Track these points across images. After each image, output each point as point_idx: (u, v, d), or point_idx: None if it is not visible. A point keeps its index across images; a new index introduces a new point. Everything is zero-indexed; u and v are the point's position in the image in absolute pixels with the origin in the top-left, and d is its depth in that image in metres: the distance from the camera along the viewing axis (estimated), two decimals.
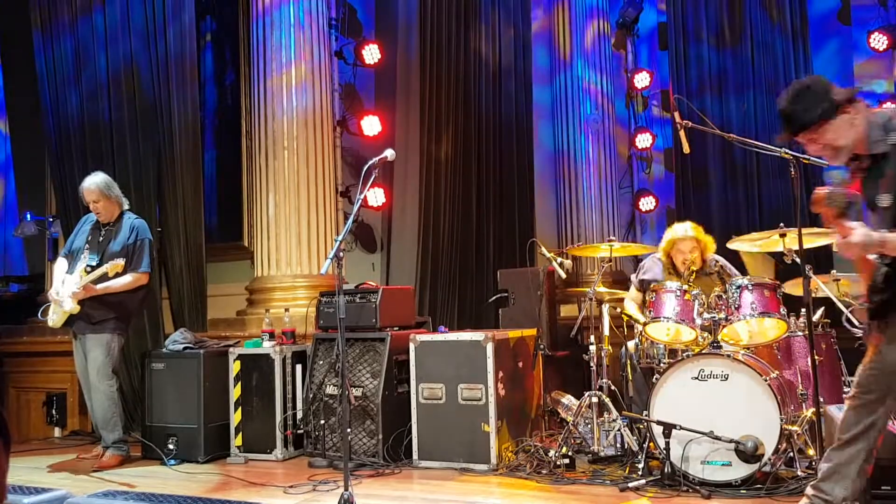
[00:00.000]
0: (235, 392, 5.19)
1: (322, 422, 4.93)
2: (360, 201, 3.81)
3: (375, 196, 6.95)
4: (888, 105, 7.57)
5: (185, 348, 5.30)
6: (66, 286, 4.99)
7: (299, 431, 5.14)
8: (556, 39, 9.00)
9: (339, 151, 6.85)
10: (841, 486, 2.92)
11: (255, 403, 5.15)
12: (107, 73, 6.22)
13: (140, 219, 5.23)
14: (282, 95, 6.32)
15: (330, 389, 4.96)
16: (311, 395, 5.05)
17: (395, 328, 5.05)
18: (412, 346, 4.82)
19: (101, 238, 5.12)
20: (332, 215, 6.50)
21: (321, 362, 5.09)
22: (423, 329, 5.39)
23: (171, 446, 5.11)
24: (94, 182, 5.09)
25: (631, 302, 5.20)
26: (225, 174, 7.35)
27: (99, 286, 4.92)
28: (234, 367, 5.21)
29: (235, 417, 5.17)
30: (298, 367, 5.23)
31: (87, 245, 5.11)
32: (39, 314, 5.18)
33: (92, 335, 5.02)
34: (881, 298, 2.92)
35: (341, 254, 3.65)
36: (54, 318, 5.02)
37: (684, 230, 4.92)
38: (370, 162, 3.79)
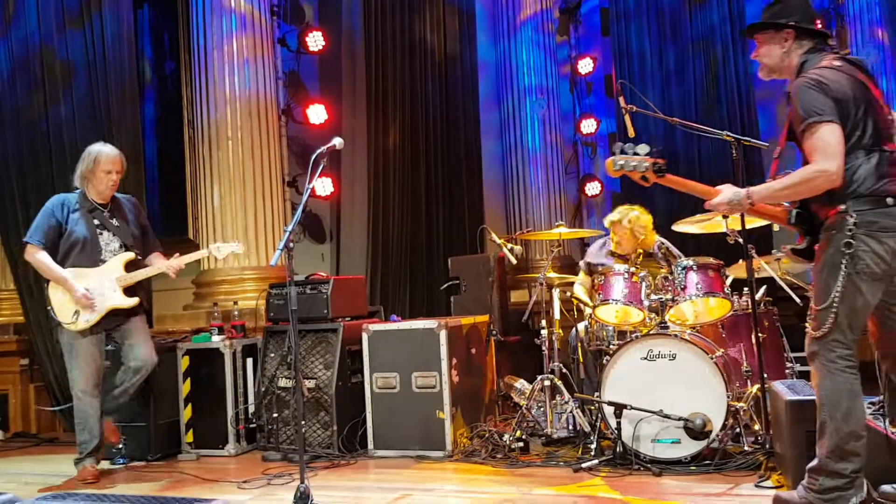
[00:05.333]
0: (185, 388, 5.10)
1: (275, 415, 4.89)
2: (309, 191, 3.75)
3: (323, 185, 6.90)
4: None
5: None
6: (98, 281, 4.49)
7: (252, 426, 5.09)
8: (500, 26, 9.03)
9: (284, 141, 6.77)
10: None
11: (205, 399, 5.07)
12: (42, 67, 5.99)
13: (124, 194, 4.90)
14: (224, 84, 6.20)
15: (282, 382, 4.91)
16: (262, 389, 4.99)
17: (348, 318, 5.02)
18: (365, 336, 4.80)
19: (111, 219, 4.62)
20: (279, 206, 6.42)
21: (272, 355, 5.04)
22: (375, 319, 5.37)
23: (118, 445, 5.00)
24: (117, 151, 4.65)
25: (580, 286, 5.28)
26: (168, 166, 7.20)
27: (173, 262, 4.60)
28: (183, 363, 5.12)
29: (186, 414, 5.09)
30: (249, 361, 5.17)
31: (98, 231, 4.56)
32: (71, 318, 4.46)
33: (137, 319, 4.64)
34: (809, 241, 3.05)
35: (291, 244, 3.60)
36: (90, 318, 4.46)
37: (624, 219, 5.07)
38: (318, 151, 3.74)
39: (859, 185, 2.86)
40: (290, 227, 3.61)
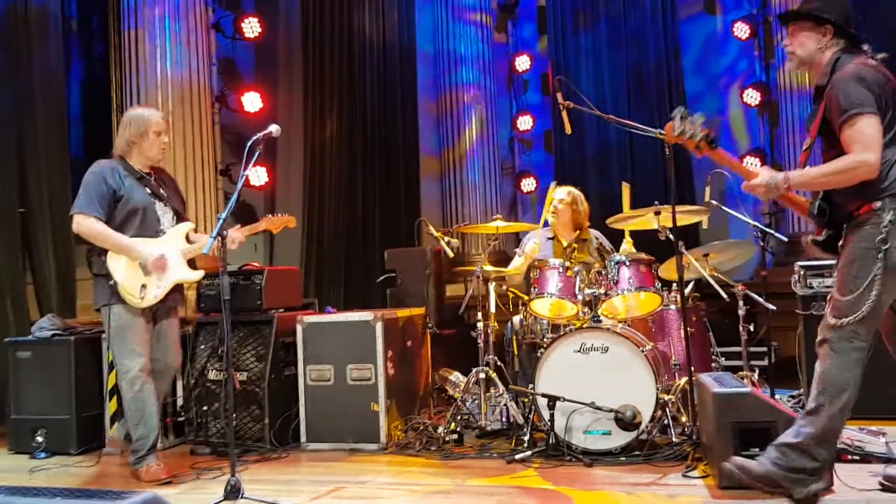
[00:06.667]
0: (110, 380, 4.93)
1: (204, 408, 4.79)
2: (243, 178, 3.67)
3: (258, 175, 6.78)
4: (751, 91, 8.06)
5: (53, 335, 4.99)
6: (162, 252, 4.12)
7: (180, 419, 4.97)
8: (438, 21, 9.00)
9: (218, 128, 6.62)
10: None
11: None
12: None
13: None
14: (155, 69, 6.03)
15: (212, 375, 4.81)
16: (192, 382, 4.88)
17: (282, 310, 4.95)
18: (299, 328, 4.74)
19: (159, 189, 4.25)
20: (211, 195, 6.29)
21: (203, 347, 4.92)
22: (310, 310, 5.31)
23: (39, 439, 4.82)
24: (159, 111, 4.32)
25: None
26: (94, 151, 6.91)
27: (235, 234, 4.16)
28: (108, 355, 4.93)
29: (111, 406, 4.93)
30: None
31: (152, 200, 4.19)
32: (139, 294, 4.05)
33: (175, 317, 4.33)
34: (828, 233, 3.09)
35: (225, 233, 3.53)
36: (157, 293, 4.09)
37: (566, 193, 5.23)
38: (254, 137, 3.67)
39: (894, 182, 2.91)
40: (223, 216, 3.54)
